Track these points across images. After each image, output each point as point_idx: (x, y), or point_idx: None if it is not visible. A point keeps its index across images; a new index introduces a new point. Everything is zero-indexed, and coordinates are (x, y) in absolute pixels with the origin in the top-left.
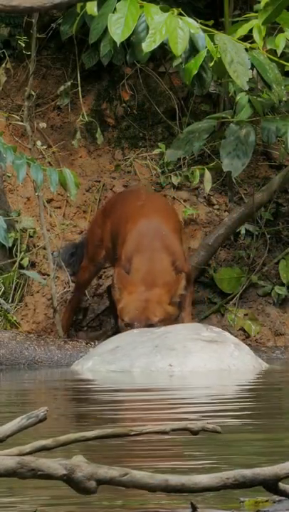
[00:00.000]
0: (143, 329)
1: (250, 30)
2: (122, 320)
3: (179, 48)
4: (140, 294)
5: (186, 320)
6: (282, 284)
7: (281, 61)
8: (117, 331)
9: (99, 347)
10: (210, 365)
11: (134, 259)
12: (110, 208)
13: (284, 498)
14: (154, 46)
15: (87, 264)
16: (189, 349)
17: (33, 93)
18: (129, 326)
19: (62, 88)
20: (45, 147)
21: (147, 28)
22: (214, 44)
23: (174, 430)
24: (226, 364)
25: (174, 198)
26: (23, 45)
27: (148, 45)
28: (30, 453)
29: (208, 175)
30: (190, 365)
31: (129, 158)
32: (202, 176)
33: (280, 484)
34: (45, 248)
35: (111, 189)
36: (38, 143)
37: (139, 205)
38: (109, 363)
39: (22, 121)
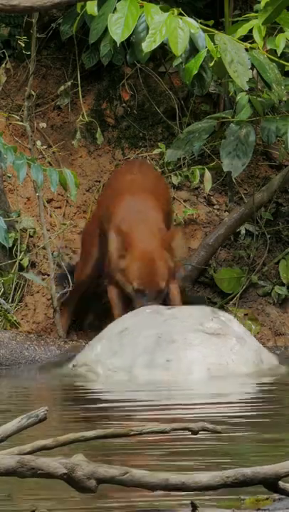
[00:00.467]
0: (154, 309)
1: (250, 30)
2: (130, 284)
3: (179, 48)
4: (144, 252)
5: (175, 293)
6: (282, 284)
7: (281, 61)
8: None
9: (108, 328)
10: (209, 359)
11: (124, 222)
12: (103, 188)
13: (284, 496)
14: (154, 46)
15: (83, 264)
16: (189, 342)
17: (33, 93)
18: (141, 292)
19: (62, 88)
20: (45, 147)
21: (147, 28)
22: (214, 44)
23: (174, 430)
24: (224, 359)
25: (174, 198)
26: (23, 45)
27: (148, 45)
28: (30, 453)
29: (208, 175)
30: (188, 359)
31: (129, 158)
32: (202, 175)
33: (280, 483)
34: (45, 248)
35: None
36: (38, 143)
37: (128, 179)
38: (113, 355)
39: (22, 121)
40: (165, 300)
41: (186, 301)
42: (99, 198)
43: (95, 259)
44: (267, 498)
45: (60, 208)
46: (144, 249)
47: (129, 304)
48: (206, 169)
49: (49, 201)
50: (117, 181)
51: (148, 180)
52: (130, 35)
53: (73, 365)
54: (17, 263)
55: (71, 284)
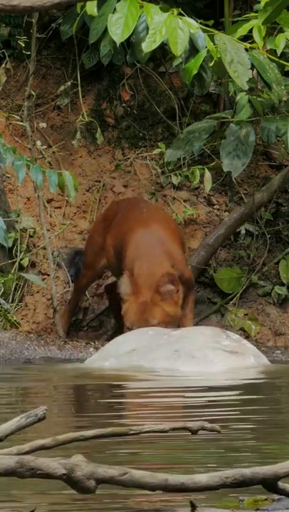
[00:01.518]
0: (159, 330)
1: (250, 30)
2: (124, 325)
3: (179, 47)
4: (140, 298)
5: (186, 325)
6: (282, 284)
7: (281, 61)
8: (119, 332)
9: (114, 346)
10: (231, 376)
11: (135, 265)
12: (113, 217)
13: (283, 496)
14: (154, 46)
15: (86, 270)
16: (211, 359)
17: (33, 93)
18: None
19: (62, 88)
20: (45, 147)
21: (147, 28)
22: (214, 44)
23: (173, 429)
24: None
25: (174, 198)
26: (23, 45)
27: (148, 45)
28: (29, 452)
29: (208, 175)
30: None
31: (129, 158)
32: (202, 175)
33: (280, 483)
34: (45, 248)
35: (111, 189)
36: (38, 143)
37: (139, 218)
38: (127, 365)
39: (22, 121)
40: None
41: None
42: (112, 227)
43: (99, 268)
44: (266, 499)
45: (60, 208)
46: (139, 297)
47: None
48: (206, 169)
49: (49, 201)
50: (128, 215)
51: (158, 213)
52: (130, 36)
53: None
54: (17, 263)
55: (70, 284)
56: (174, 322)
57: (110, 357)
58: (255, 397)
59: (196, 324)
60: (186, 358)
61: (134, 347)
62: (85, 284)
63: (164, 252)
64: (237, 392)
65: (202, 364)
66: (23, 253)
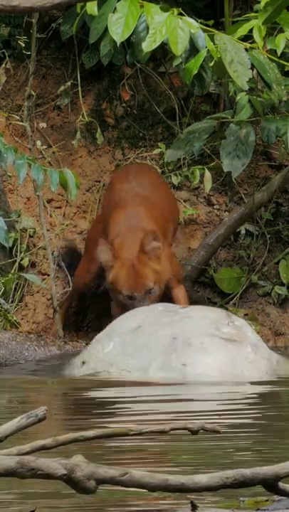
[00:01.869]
0: (168, 306)
1: (250, 30)
2: (119, 293)
3: (179, 47)
4: (125, 261)
5: (180, 297)
6: (282, 284)
7: (281, 61)
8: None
9: (121, 322)
10: (224, 367)
11: (114, 232)
12: (105, 195)
13: (284, 497)
14: (154, 46)
15: (88, 265)
16: (206, 347)
17: (33, 93)
18: (130, 297)
19: (62, 88)
20: (45, 147)
21: (147, 28)
22: (214, 44)
23: (173, 430)
24: (239, 369)
25: None
26: (23, 45)
27: (148, 45)
28: (29, 452)
29: (208, 175)
30: (203, 365)
31: (129, 158)
32: (202, 175)
33: (280, 483)
34: (45, 248)
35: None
36: (38, 143)
37: (124, 189)
38: (127, 356)
39: (22, 121)
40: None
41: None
42: (102, 207)
43: (98, 265)
44: (267, 500)
45: (60, 208)
46: (126, 258)
47: None
48: (206, 169)
49: (49, 201)
50: (113, 192)
51: (144, 188)
52: (130, 35)
53: (83, 362)
54: (17, 263)
55: (70, 285)
56: (163, 279)
57: (115, 336)
58: (255, 395)
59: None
60: (182, 348)
61: (139, 323)
62: (88, 280)
63: (142, 223)
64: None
65: (197, 353)
66: (23, 253)
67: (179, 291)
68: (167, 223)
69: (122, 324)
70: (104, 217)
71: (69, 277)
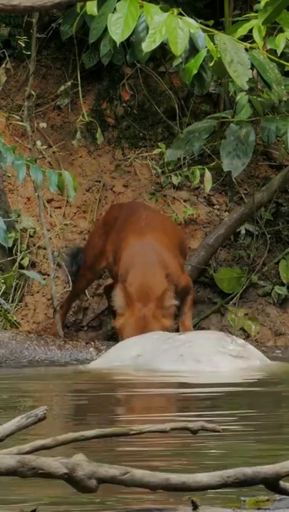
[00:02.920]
0: (163, 334)
1: (250, 30)
2: (122, 339)
3: (179, 47)
4: (136, 312)
5: (185, 326)
6: (282, 284)
7: (281, 61)
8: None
9: (118, 351)
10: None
11: (129, 276)
12: (113, 221)
13: (285, 496)
14: (154, 46)
15: (86, 272)
16: (216, 363)
17: (33, 93)
18: None
19: (62, 88)
20: (45, 147)
21: (147, 28)
22: (214, 44)
23: (173, 429)
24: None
25: (174, 198)
26: (23, 45)
27: (148, 45)
28: (29, 452)
29: (208, 175)
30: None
31: (129, 158)
32: (202, 175)
33: (281, 483)
34: (45, 248)
35: (111, 189)
36: (38, 143)
37: (136, 225)
38: (133, 371)
39: (22, 121)
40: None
41: None
42: (112, 233)
43: (99, 270)
44: (268, 499)
45: (60, 207)
46: (139, 309)
47: None
48: (206, 169)
49: (49, 201)
50: (127, 222)
51: (156, 220)
52: (130, 35)
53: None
54: (17, 263)
55: (70, 284)
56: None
57: (115, 362)
58: (256, 394)
59: (196, 324)
60: (192, 363)
61: (139, 352)
62: (85, 286)
63: (158, 263)
64: (237, 390)
65: (208, 368)
66: (23, 253)
67: (187, 319)
68: (182, 256)
69: (120, 353)
70: (112, 244)
71: (69, 277)
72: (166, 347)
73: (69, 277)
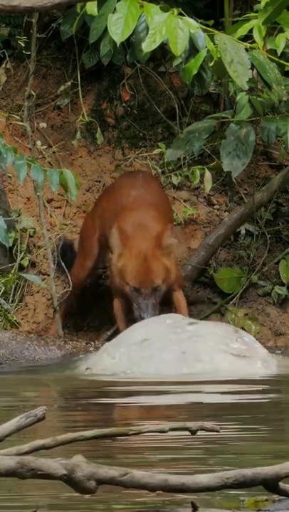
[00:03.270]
0: (177, 321)
1: (250, 30)
2: (126, 283)
3: (179, 47)
4: (136, 252)
5: (180, 301)
6: (283, 284)
7: (281, 61)
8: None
9: (128, 333)
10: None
11: (125, 216)
12: (103, 195)
13: (284, 497)
14: (154, 46)
15: (83, 260)
16: (216, 363)
17: (33, 93)
18: (136, 291)
19: (62, 88)
20: (45, 147)
21: (147, 28)
22: (214, 44)
23: (172, 429)
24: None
25: (174, 198)
26: (23, 45)
27: (148, 45)
28: (28, 452)
29: (208, 175)
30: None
31: (129, 158)
32: (202, 175)
33: (281, 484)
34: (45, 248)
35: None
36: (38, 143)
37: (132, 195)
38: (133, 365)
39: (22, 121)
40: (169, 304)
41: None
42: (99, 206)
43: (94, 261)
44: (266, 500)
45: (60, 207)
46: (138, 249)
47: (131, 315)
48: (206, 169)
49: (49, 201)
50: (121, 196)
51: (151, 194)
52: (130, 35)
53: (87, 369)
54: (17, 263)
55: (70, 284)
56: (171, 279)
57: (121, 346)
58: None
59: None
60: (192, 363)
61: (146, 336)
62: (85, 276)
63: (152, 203)
64: (238, 390)
65: (208, 368)
66: (23, 253)
67: (180, 295)
68: (171, 221)
69: (130, 335)
70: (104, 219)
71: (69, 277)
72: (173, 337)
73: (69, 277)
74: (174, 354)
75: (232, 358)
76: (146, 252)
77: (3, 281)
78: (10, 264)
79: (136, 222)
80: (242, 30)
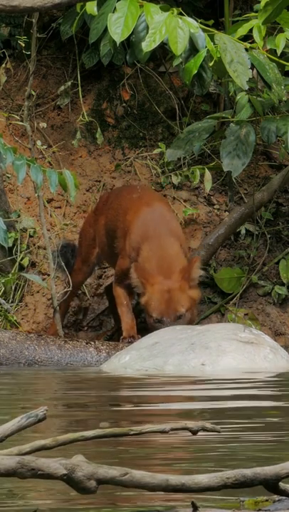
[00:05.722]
0: (187, 327)
1: (250, 30)
2: (150, 316)
3: (179, 47)
4: (162, 285)
5: (190, 318)
6: (283, 284)
7: (281, 61)
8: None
9: (139, 341)
10: (242, 365)
11: (143, 248)
12: (103, 205)
13: (284, 497)
14: (154, 46)
15: (81, 265)
16: (224, 348)
17: (33, 93)
18: (159, 321)
19: (62, 88)
20: (45, 147)
21: (147, 27)
22: (214, 44)
23: (173, 430)
24: (258, 366)
25: (174, 198)
26: (23, 45)
27: (148, 45)
28: (29, 452)
29: (208, 175)
30: (222, 364)
31: (129, 158)
32: (202, 175)
33: (281, 484)
34: (45, 248)
35: (111, 189)
36: (38, 143)
37: (135, 197)
38: (144, 359)
39: (22, 121)
40: None
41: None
42: (99, 211)
43: (92, 265)
44: (267, 500)
45: (60, 207)
46: (162, 284)
47: (132, 300)
48: (206, 169)
49: (49, 201)
50: (124, 199)
51: (168, 224)
52: (130, 35)
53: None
54: (17, 263)
55: (70, 284)
56: (195, 306)
57: (132, 349)
58: (256, 395)
59: (196, 324)
60: (200, 350)
61: (157, 340)
62: (81, 280)
63: (170, 231)
64: (238, 390)
65: (215, 354)
66: (23, 253)
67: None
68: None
69: (141, 342)
70: (109, 217)
71: (69, 278)
72: (182, 336)
73: (69, 277)
74: (182, 346)
75: (240, 344)
76: (171, 284)
77: (3, 281)
78: (9, 258)
79: (157, 256)
80: (242, 30)
